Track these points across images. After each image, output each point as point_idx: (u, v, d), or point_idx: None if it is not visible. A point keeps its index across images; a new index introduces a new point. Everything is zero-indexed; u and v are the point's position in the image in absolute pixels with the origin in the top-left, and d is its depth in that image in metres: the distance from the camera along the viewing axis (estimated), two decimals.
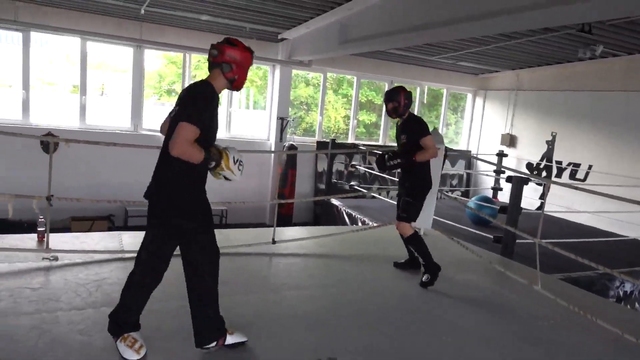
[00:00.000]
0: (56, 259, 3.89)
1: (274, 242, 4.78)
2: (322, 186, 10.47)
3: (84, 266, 3.83)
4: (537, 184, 10.15)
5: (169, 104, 10.27)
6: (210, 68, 2.62)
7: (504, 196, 9.48)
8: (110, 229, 8.49)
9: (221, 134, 9.58)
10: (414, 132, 4.13)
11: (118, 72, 9.56)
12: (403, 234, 4.25)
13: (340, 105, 11.73)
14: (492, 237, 6.22)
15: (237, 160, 2.58)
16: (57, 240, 4.22)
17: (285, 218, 9.62)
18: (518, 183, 5.64)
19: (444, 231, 5.72)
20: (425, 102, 12.07)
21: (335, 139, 10.24)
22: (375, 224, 5.88)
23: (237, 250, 4.49)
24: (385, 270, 4.44)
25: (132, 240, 4.61)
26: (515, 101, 11.03)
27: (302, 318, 3.31)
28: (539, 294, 4.13)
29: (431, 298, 3.93)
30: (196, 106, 2.44)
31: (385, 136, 11.48)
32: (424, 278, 4.13)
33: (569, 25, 6.69)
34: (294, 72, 10.24)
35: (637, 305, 6.27)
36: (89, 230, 8.64)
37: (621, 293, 6.52)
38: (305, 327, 3.18)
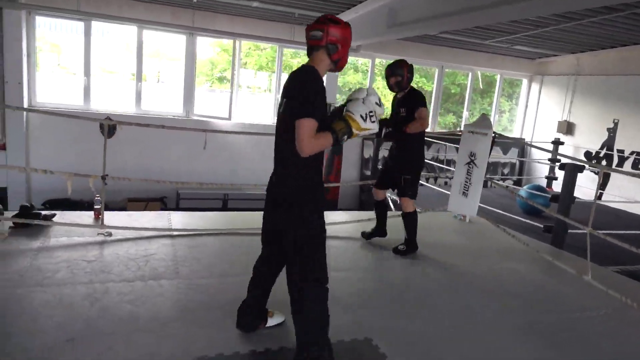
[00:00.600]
0: (110, 234, 4.13)
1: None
2: (368, 172, 10.43)
3: (134, 242, 4.04)
4: (595, 172, 9.66)
5: (220, 90, 10.53)
6: (311, 51, 2.44)
7: (559, 186, 9.07)
8: (162, 210, 8.91)
9: (267, 119, 9.75)
10: (413, 105, 4.11)
11: (173, 60, 9.89)
12: (406, 209, 4.31)
13: (389, 92, 11.55)
14: (542, 226, 6.01)
15: (367, 115, 2.34)
16: (111, 218, 4.47)
17: (330, 203, 9.69)
18: (571, 170, 5.39)
19: (490, 219, 5.58)
20: (481, 87, 11.69)
21: None
22: (419, 210, 5.82)
23: None
24: (426, 256, 4.39)
25: (180, 219, 4.82)
26: (574, 87, 10.48)
27: (339, 299, 3.34)
28: (590, 284, 3.96)
29: (472, 285, 3.86)
30: (308, 97, 2.26)
31: (435, 122, 11.23)
32: (400, 246, 4.32)
33: (634, 3, 6.26)
34: None
35: None
36: (144, 210, 9.13)
37: None
38: (343, 308, 3.21)
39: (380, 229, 4.62)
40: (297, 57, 10.32)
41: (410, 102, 4.15)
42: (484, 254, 4.69)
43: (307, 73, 2.36)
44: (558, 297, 3.77)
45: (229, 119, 9.44)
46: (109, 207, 4.62)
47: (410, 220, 4.34)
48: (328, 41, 2.39)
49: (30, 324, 2.66)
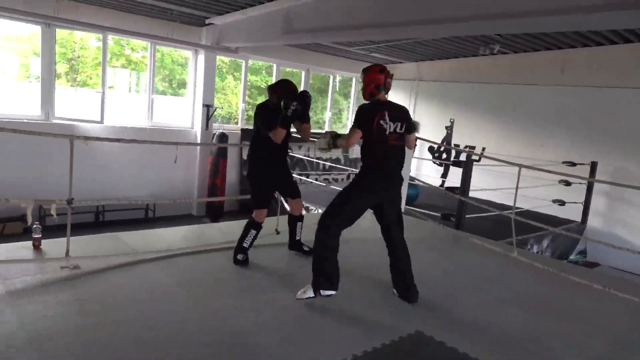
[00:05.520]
0: (77, 267, 3.56)
1: (277, 232, 4.89)
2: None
3: (122, 270, 3.57)
4: (437, 164, 11.48)
5: (64, 88, 9.11)
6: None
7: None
8: (26, 230, 7.58)
9: (141, 121, 9.00)
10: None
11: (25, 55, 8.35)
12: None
13: (240, 91, 11.59)
14: (439, 215, 7.05)
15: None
16: (53, 246, 3.84)
17: (217, 208, 9.52)
18: (468, 165, 6.47)
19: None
20: (337, 89, 12.64)
21: None
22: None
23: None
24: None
25: (136, 239, 4.33)
26: (417, 90, 12.18)
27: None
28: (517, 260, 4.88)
29: (442, 272, 4.44)
30: None
31: None
32: (239, 257, 3.97)
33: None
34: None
35: None
36: (1, 234, 7.69)
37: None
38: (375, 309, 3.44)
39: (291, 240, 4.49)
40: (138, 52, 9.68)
41: None
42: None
43: None
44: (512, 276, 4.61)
45: (101, 122, 8.44)
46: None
47: (245, 228, 4.08)
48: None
49: None
